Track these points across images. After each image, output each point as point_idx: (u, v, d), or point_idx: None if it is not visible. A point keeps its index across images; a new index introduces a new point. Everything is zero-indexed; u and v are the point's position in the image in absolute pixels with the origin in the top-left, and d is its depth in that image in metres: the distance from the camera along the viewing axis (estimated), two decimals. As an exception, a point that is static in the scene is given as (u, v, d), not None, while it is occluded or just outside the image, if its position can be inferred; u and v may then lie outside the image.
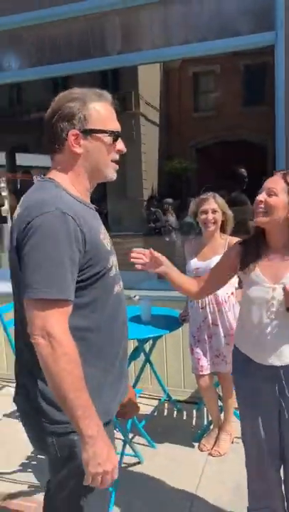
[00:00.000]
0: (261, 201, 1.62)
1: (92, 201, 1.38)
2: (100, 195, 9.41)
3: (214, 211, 2.62)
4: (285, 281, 1.62)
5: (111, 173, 1.37)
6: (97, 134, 1.30)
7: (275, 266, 1.68)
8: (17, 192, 6.08)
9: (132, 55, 3.56)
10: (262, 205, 1.62)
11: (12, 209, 5.52)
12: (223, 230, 2.71)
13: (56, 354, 1.10)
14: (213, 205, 2.62)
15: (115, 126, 1.34)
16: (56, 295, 1.12)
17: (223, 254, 1.95)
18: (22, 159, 7.56)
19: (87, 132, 1.28)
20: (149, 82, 12.64)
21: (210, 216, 2.60)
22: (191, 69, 13.32)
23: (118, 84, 10.88)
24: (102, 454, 1.17)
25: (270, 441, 1.78)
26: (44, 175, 1.34)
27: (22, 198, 1.29)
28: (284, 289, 1.60)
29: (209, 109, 13.67)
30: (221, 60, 11.27)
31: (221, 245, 2.63)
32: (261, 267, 1.69)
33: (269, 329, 1.67)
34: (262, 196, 1.62)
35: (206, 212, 2.62)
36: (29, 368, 1.27)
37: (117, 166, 1.38)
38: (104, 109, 1.32)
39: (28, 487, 2.50)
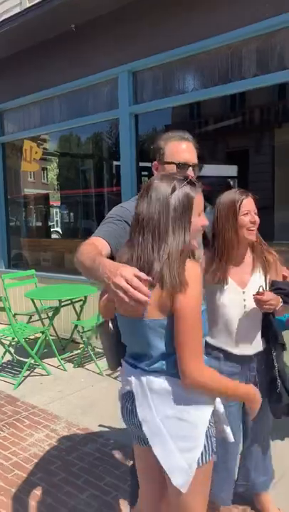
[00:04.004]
0: None
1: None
2: (268, 202, 9.59)
3: None
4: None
5: None
6: (167, 165, 1.84)
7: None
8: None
9: None
10: None
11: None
12: None
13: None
14: None
15: (182, 158, 1.83)
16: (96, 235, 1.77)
17: None
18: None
19: (162, 163, 1.86)
20: None
21: None
22: None
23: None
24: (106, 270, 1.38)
25: None
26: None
27: None
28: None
29: None
30: None
31: None
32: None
33: None
34: None
35: None
36: None
37: None
38: (177, 147, 1.84)
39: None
